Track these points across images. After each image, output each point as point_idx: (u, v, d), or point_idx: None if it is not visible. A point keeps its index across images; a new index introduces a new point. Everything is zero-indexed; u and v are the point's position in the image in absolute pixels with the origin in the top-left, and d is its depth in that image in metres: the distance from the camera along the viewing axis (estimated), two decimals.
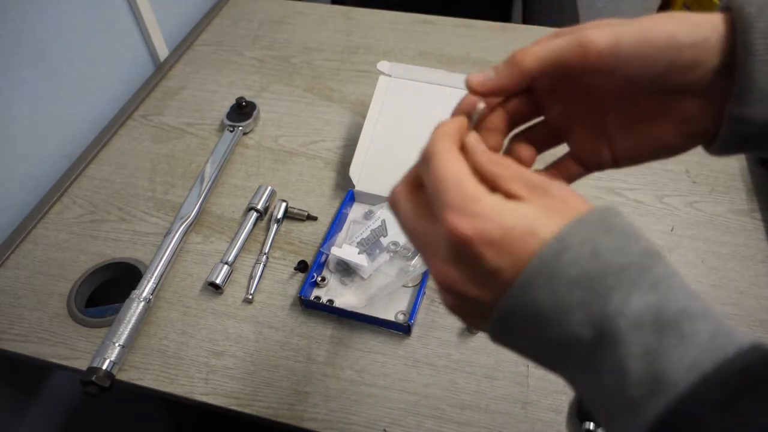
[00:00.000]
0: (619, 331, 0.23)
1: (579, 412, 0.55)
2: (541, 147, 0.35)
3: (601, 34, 0.28)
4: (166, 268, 0.67)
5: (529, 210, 0.26)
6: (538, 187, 0.27)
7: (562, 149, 0.36)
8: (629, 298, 0.23)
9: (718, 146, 0.30)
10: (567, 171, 0.35)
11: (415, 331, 0.63)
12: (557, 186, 0.27)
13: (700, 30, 0.28)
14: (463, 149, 0.30)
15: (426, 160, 0.29)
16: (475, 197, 0.26)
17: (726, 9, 0.28)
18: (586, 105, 0.33)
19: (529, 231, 0.25)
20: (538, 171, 0.34)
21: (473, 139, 0.30)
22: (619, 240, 0.25)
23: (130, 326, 0.61)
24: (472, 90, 0.31)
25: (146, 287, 0.64)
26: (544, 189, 0.27)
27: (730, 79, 0.28)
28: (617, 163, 0.33)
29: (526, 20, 1.19)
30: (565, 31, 0.30)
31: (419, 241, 0.30)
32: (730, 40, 0.27)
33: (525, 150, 0.34)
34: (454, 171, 0.27)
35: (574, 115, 0.34)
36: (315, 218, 0.74)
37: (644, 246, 0.25)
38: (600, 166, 0.34)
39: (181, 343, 0.63)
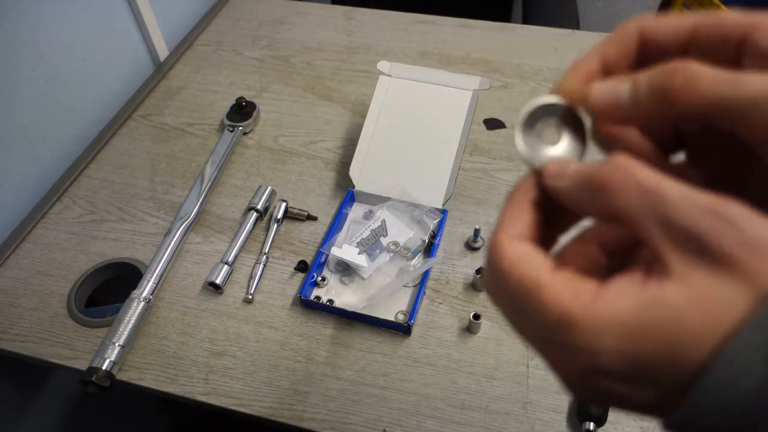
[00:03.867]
0: None
1: (579, 412, 0.55)
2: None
3: None
4: (166, 268, 0.67)
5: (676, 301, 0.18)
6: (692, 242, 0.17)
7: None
8: None
9: None
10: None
11: (415, 331, 0.63)
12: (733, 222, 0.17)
13: None
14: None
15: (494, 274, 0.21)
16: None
17: None
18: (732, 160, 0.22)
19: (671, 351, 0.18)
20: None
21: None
22: None
23: (130, 326, 0.61)
24: (591, 104, 0.21)
25: (146, 287, 0.64)
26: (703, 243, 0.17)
27: None
28: None
29: (526, 20, 1.19)
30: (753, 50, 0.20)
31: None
32: None
33: None
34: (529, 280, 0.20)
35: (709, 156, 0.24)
36: (315, 218, 0.74)
37: None
38: None
39: (181, 343, 0.63)
